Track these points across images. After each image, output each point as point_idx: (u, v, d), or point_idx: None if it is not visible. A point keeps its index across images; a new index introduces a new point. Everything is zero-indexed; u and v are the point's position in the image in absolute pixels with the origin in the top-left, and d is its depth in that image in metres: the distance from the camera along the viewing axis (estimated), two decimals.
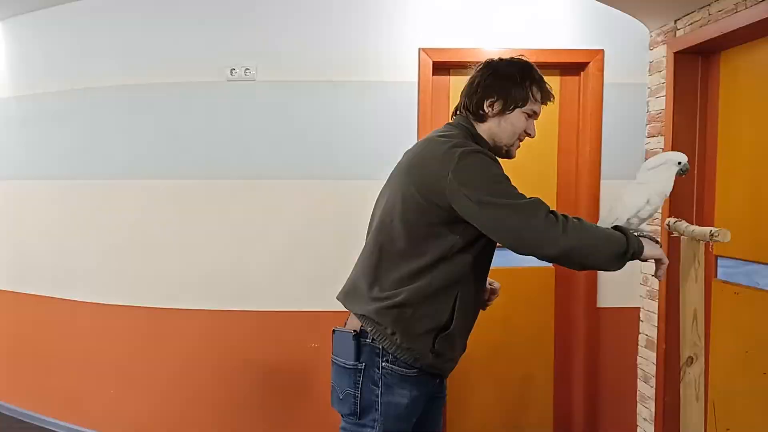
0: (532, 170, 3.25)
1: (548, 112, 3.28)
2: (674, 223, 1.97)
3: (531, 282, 3.33)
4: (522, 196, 1.66)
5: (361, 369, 1.73)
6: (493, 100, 1.80)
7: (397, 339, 1.70)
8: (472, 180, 1.64)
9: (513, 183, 1.70)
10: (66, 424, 3.56)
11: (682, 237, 1.92)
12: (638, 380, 3.30)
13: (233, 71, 3.15)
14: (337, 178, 3.19)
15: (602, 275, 3.26)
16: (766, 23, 2.32)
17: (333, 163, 3.19)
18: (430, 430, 1.91)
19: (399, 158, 3.18)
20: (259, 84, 3.16)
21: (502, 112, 1.80)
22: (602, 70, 3.18)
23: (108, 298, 3.37)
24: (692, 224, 1.89)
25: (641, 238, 1.70)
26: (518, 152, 1.81)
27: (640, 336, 3.28)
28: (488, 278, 1.91)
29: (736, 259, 2.70)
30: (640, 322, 3.27)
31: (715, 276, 2.85)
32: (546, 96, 1.86)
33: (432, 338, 1.72)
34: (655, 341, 3.08)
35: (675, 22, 2.95)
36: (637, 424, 3.31)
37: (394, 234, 1.75)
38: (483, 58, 3.11)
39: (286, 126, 3.18)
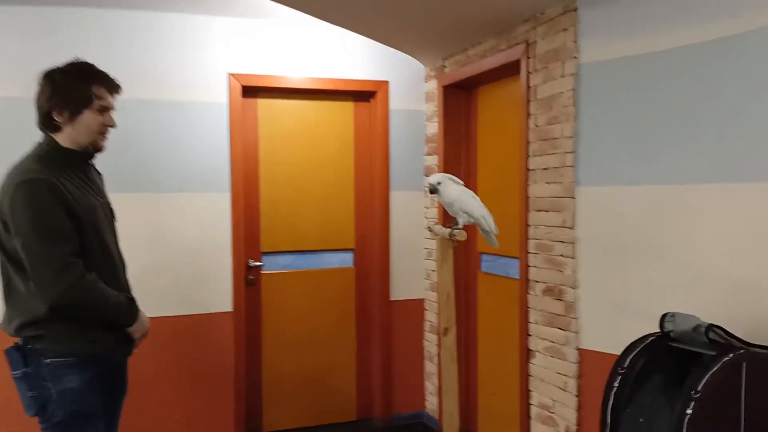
0: (333, 183, 3.72)
1: (345, 134, 3.79)
2: (433, 225, 2.53)
3: (335, 280, 3.74)
4: (54, 239, 1.80)
5: (30, 372, 1.86)
6: (60, 109, 1.90)
7: (48, 339, 1.87)
8: (18, 211, 1.79)
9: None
10: None
11: (436, 237, 2.48)
12: (424, 360, 3.87)
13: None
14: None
15: (394, 272, 3.78)
16: (503, 68, 3.00)
17: (138, 176, 3.28)
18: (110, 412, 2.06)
19: (209, 173, 3.36)
20: None
21: (72, 118, 1.91)
22: (387, 98, 3.73)
23: None
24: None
25: (141, 318, 2.03)
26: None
27: (425, 322, 3.86)
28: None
29: (493, 254, 3.34)
30: (425, 311, 3.85)
31: (480, 269, 3.49)
32: (111, 88, 1.98)
33: (80, 332, 1.89)
34: (436, 325, 3.66)
35: (443, 60, 3.58)
36: (425, 398, 3.88)
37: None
38: (288, 85, 3.53)
39: None
